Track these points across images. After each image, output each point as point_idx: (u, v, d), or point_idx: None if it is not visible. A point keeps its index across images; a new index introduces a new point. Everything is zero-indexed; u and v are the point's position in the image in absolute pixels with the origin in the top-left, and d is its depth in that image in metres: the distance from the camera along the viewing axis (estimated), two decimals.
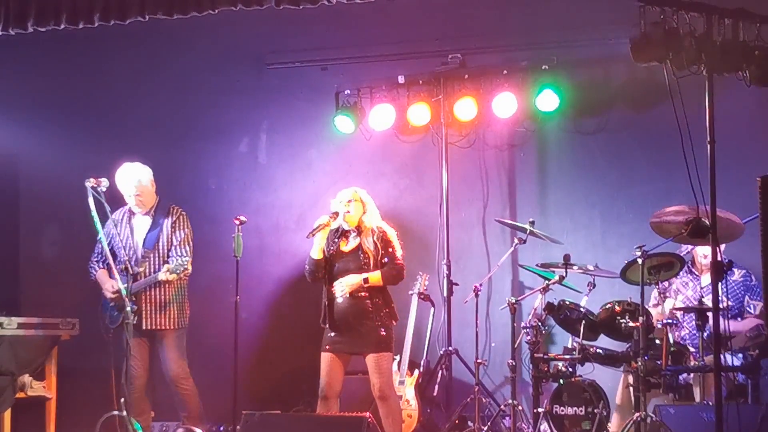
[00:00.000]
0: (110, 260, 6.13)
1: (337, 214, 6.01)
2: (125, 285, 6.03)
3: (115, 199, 6.21)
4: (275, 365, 7.99)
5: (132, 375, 6.38)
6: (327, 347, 5.98)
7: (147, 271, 6.47)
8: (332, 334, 5.98)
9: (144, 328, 6.48)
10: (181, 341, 6.67)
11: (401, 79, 7.89)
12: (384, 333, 5.93)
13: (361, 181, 7.73)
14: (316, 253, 6.00)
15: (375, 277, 5.94)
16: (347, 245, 6.08)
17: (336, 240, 6.11)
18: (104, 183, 6.05)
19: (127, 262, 6.07)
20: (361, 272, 5.94)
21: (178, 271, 6.35)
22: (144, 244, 6.59)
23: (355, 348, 5.95)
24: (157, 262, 6.57)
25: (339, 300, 5.96)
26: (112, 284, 6.50)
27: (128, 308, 5.85)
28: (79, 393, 7.32)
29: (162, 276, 6.37)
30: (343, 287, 5.92)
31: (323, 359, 5.99)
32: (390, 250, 6.05)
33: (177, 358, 6.61)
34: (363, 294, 5.94)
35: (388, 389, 5.91)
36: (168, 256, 6.59)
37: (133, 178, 6.59)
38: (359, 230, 6.07)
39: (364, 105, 8.00)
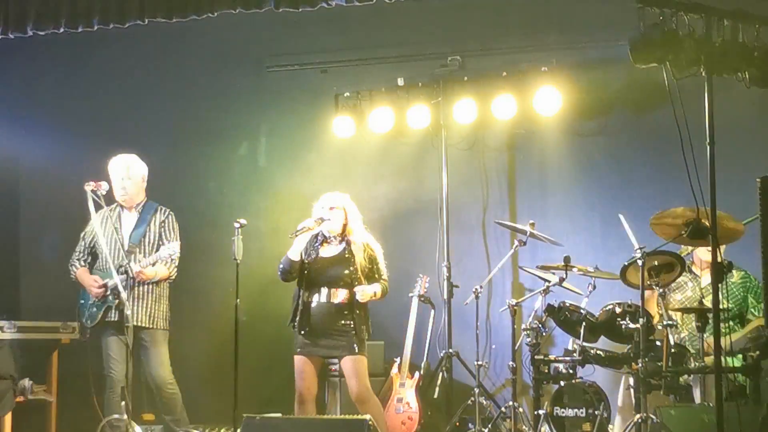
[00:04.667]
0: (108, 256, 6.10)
1: (322, 220, 6.05)
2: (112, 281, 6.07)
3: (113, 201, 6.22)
4: (275, 368, 7.96)
5: (114, 378, 6.32)
6: (299, 350, 6.03)
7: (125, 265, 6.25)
8: (304, 336, 6.01)
9: (126, 324, 6.13)
10: (166, 343, 6.54)
11: (401, 82, 7.90)
12: (359, 336, 5.95)
13: (360, 184, 7.78)
14: (296, 255, 6.03)
15: (379, 292, 6.06)
16: (328, 251, 6.11)
17: (316, 246, 6.14)
18: (104, 186, 6.07)
19: (108, 258, 6.07)
20: (344, 281, 5.98)
21: (173, 256, 6.28)
22: (130, 239, 6.48)
23: (330, 352, 6.00)
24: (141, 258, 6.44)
25: (314, 304, 6.00)
26: (94, 279, 6.40)
27: (123, 302, 5.83)
28: (80, 396, 7.31)
29: (164, 252, 6.24)
30: (362, 295, 5.94)
31: (297, 362, 6.04)
32: (376, 266, 6.11)
33: (164, 360, 6.48)
34: (341, 301, 5.97)
35: (366, 392, 5.95)
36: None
37: (124, 164, 6.51)
38: (343, 238, 6.10)
39: (363, 108, 8.01)
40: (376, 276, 6.12)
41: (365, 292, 5.96)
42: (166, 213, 6.60)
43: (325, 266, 6.04)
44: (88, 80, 8.35)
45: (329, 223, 6.06)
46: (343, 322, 5.95)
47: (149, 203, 6.62)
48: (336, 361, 6.48)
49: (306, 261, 6.07)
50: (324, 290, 6.00)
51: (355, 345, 5.92)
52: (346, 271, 5.99)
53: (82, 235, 6.60)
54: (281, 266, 6.10)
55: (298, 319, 6.03)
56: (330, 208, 6.09)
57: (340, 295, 5.98)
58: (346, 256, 6.04)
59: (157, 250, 6.39)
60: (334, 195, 6.18)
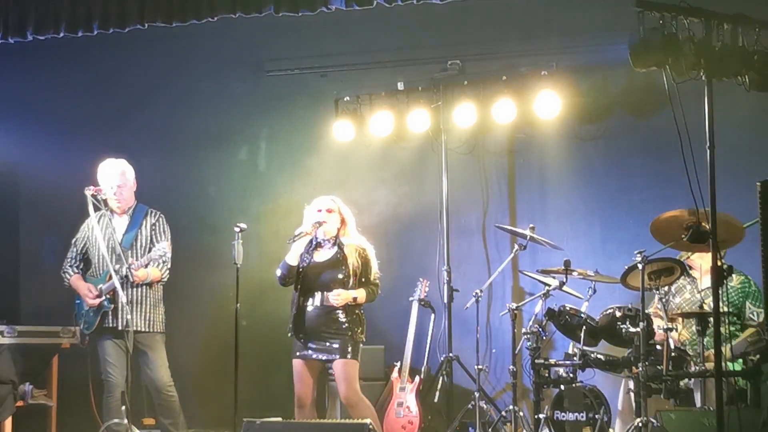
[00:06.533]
0: (108, 261, 6.09)
1: (319, 224, 6.04)
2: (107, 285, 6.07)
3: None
4: (276, 372, 7.96)
5: (112, 383, 6.30)
6: (297, 354, 6.05)
7: (122, 270, 6.19)
8: (301, 341, 6.03)
9: (126, 329, 6.15)
10: (164, 346, 6.51)
11: (401, 86, 7.90)
12: (353, 340, 5.96)
13: (360, 188, 7.79)
14: (294, 260, 6.04)
15: (361, 296, 6.04)
16: (321, 256, 6.11)
17: (310, 250, 6.12)
18: (104, 191, 6.05)
19: (109, 262, 6.05)
20: (338, 284, 5.98)
21: (163, 257, 6.28)
22: (122, 243, 6.41)
23: (324, 355, 5.98)
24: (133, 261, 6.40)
25: (309, 309, 6.01)
26: (88, 287, 6.37)
27: (123, 306, 5.82)
28: (80, 401, 7.31)
29: (155, 254, 6.20)
30: (338, 299, 5.94)
31: (295, 366, 6.07)
32: (368, 269, 6.10)
33: (164, 363, 6.46)
34: (335, 305, 5.97)
35: (354, 396, 5.96)
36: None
37: (117, 170, 6.45)
38: (336, 242, 6.10)
39: (363, 112, 8.01)
40: (363, 280, 6.09)
41: (340, 296, 5.95)
42: (157, 216, 6.58)
43: (319, 270, 6.05)
44: (88, 84, 8.34)
45: (326, 226, 6.06)
46: (337, 325, 5.96)
47: (140, 206, 6.59)
48: None
49: (301, 266, 6.08)
50: (318, 294, 6.02)
51: (348, 349, 5.93)
52: (340, 275, 6.00)
53: (73, 241, 6.57)
54: (280, 272, 6.12)
55: (294, 323, 6.05)
56: (328, 211, 6.09)
57: (334, 299, 5.98)
58: (339, 258, 6.04)
59: (149, 252, 6.37)
60: (327, 198, 6.19)
